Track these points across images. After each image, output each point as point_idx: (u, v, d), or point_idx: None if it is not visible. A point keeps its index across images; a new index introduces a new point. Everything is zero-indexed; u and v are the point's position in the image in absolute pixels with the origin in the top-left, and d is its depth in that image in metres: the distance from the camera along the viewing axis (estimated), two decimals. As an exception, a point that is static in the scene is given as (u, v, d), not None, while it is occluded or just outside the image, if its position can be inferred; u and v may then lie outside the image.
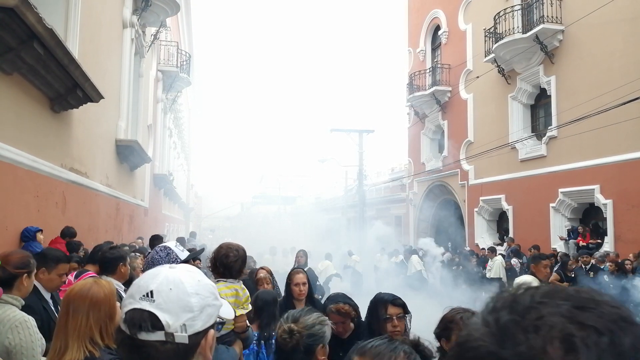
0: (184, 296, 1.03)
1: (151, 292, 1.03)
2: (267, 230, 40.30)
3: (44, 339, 2.49)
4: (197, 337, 1.05)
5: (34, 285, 2.80)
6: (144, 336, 1.00)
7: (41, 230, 5.73)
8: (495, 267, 12.74)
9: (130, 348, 1.02)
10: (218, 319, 1.15)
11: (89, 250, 4.96)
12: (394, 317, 2.72)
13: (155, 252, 2.66)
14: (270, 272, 4.86)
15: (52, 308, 2.97)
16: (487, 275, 12.89)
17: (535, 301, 0.53)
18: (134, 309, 1.02)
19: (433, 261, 15.94)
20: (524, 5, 15.11)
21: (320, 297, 8.75)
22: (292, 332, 1.91)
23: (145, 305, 1.01)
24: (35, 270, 2.71)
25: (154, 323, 1.00)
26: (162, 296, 1.02)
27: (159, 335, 1.00)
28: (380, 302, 2.81)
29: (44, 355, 2.41)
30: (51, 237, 6.12)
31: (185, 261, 2.50)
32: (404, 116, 24.27)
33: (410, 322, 2.78)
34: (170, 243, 2.72)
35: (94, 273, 3.50)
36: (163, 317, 1.00)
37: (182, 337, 1.02)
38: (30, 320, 2.45)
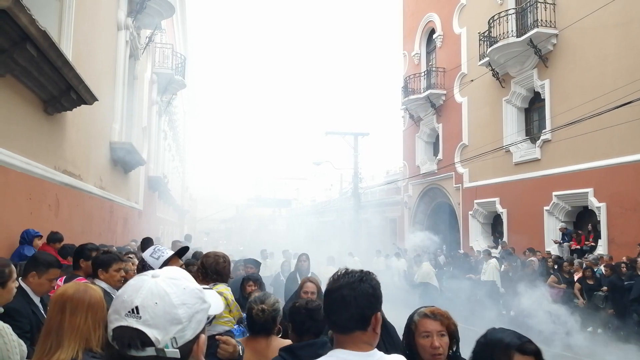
0: (170, 309, 1.01)
1: (136, 308, 1.00)
2: (262, 233, 40.34)
3: (24, 345, 2.46)
4: (188, 345, 1.04)
5: (23, 289, 2.77)
6: (134, 353, 0.99)
7: (40, 236, 5.66)
8: (490, 270, 12.72)
9: None
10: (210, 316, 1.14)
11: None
12: None
13: (149, 257, 2.65)
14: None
15: (42, 312, 2.94)
16: (482, 278, 12.85)
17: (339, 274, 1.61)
18: (121, 327, 1.00)
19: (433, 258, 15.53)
20: (518, 10, 15.19)
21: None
22: (264, 310, 2.64)
23: (132, 323, 0.99)
24: (11, 280, 2.63)
25: (143, 340, 0.98)
26: (149, 312, 1.00)
27: (149, 352, 0.99)
28: (501, 348, 1.78)
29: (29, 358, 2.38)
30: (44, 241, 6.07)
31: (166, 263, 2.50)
32: (399, 119, 24.34)
33: None
34: (147, 252, 2.70)
35: (84, 279, 3.48)
36: (151, 334, 0.98)
37: (173, 353, 1.00)
38: (5, 328, 2.40)
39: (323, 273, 10.20)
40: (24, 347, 2.45)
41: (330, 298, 1.56)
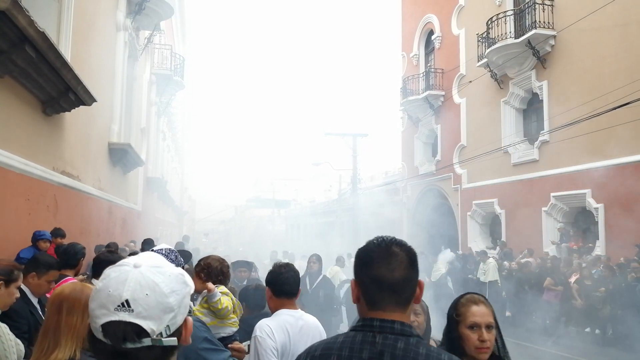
0: (162, 299, 1.00)
1: (127, 301, 0.97)
2: (261, 234, 40.23)
3: (21, 344, 2.47)
4: (179, 330, 1.05)
5: (22, 289, 2.79)
6: (131, 345, 0.97)
7: (47, 240, 5.61)
8: (491, 270, 12.38)
9: (114, 356, 0.98)
10: None
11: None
12: None
13: (165, 256, 2.65)
14: None
15: (40, 312, 2.96)
16: (482, 279, 12.47)
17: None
18: (113, 322, 0.97)
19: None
20: (516, 11, 15.22)
21: (336, 307, 7.98)
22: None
23: (124, 317, 0.97)
24: (16, 283, 2.64)
25: (139, 333, 0.97)
26: (141, 304, 0.97)
27: (145, 342, 0.98)
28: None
29: (26, 358, 2.39)
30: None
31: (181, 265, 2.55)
32: (397, 120, 24.37)
33: None
34: (165, 245, 2.74)
35: (73, 278, 3.49)
36: (147, 325, 0.97)
37: (171, 341, 1.00)
38: (2, 328, 2.40)
39: (331, 273, 9.51)
40: (22, 346, 2.46)
41: (287, 276, 2.75)
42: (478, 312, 1.99)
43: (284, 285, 2.72)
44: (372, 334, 1.38)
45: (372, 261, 1.44)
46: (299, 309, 2.78)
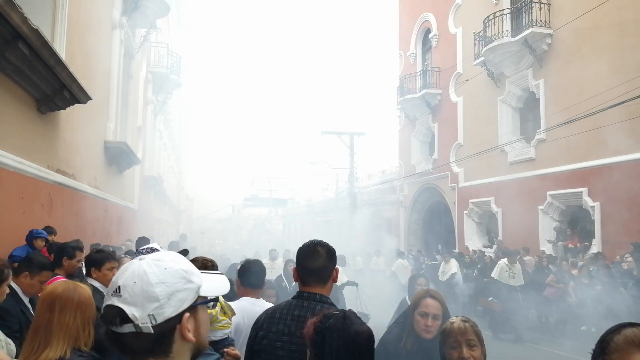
0: (147, 287, 1.06)
1: (119, 287, 1.07)
2: (258, 233, 40.23)
3: (12, 343, 2.45)
4: (169, 323, 1.08)
5: (13, 288, 2.76)
6: (117, 329, 1.05)
7: (43, 239, 5.54)
8: (520, 272, 11.06)
9: (111, 340, 1.07)
10: (210, 296, 1.17)
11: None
12: None
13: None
14: None
15: (31, 312, 2.93)
16: (512, 283, 10.87)
17: None
18: (107, 306, 1.08)
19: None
20: (513, 9, 15.23)
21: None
22: None
23: (115, 301, 1.06)
24: (6, 282, 2.62)
25: (123, 317, 1.04)
26: (128, 290, 1.06)
27: (129, 328, 1.04)
28: None
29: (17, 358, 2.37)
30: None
31: None
32: (394, 119, 24.37)
33: None
34: (155, 244, 2.71)
35: (63, 277, 3.46)
36: (129, 311, 1.04)
37: (147, 328, 1.05)
38: None
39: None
40: (12, 345, 2.44)
41: (253, 270, 3.28)
42: None
43: (250, 278, 3.28)
44: (302, 300, 2.23)
45: (303, 256, 2.27)
46: (261, 298, 3.28)
